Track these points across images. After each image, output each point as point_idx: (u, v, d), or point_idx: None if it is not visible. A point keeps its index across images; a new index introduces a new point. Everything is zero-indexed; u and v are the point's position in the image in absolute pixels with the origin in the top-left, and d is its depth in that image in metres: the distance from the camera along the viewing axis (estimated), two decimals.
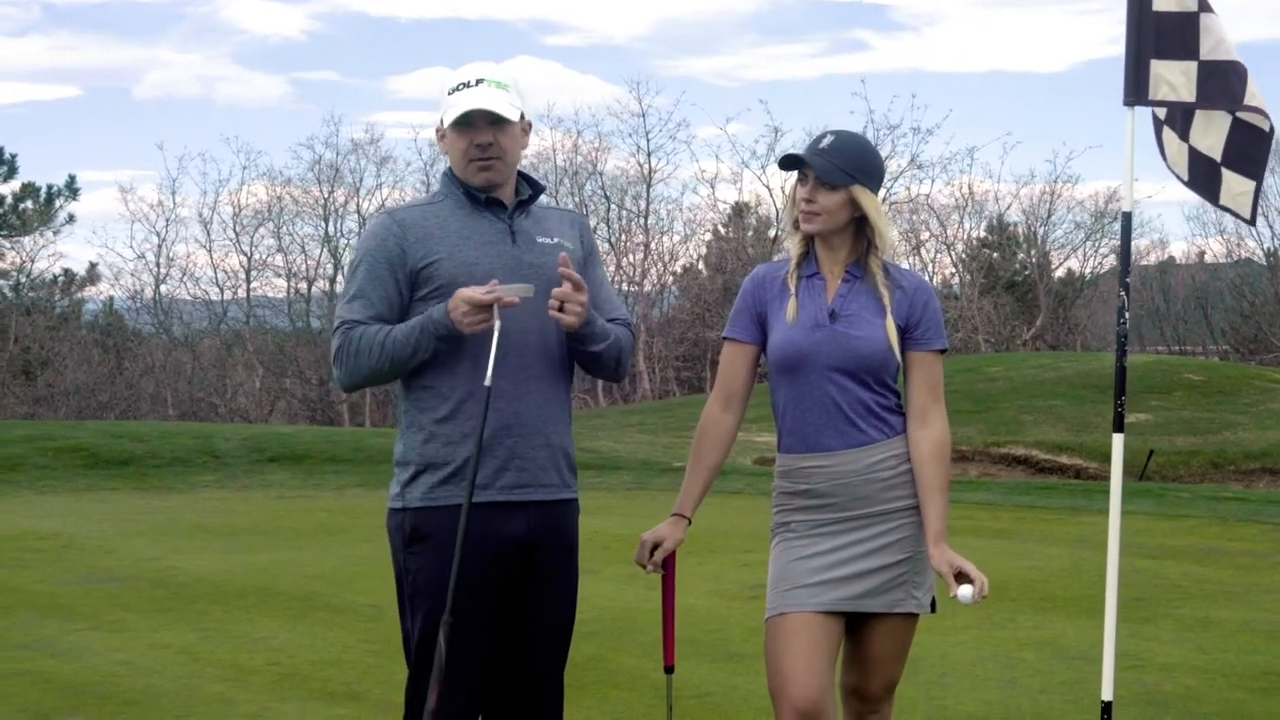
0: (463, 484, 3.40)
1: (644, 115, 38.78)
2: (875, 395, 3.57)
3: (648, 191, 39.84)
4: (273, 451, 16.80)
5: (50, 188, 39.79)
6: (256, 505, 13.24)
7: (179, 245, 52.99)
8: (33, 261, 40.50)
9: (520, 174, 3.63)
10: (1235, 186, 4.76)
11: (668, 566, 3.71)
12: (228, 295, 40.96)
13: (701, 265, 41.88)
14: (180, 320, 41.31)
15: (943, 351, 3.65)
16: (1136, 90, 4.77)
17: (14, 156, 39.24)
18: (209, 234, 40.38)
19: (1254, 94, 4.65)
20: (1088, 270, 45.41)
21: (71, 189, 39.96)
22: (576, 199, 39.07)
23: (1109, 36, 70.68)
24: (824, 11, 69.80)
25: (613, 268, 38.17)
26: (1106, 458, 5.00)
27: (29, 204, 39.59)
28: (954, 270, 43.66)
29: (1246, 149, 4.72)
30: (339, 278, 38.61)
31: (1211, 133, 4.75)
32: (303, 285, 40.36)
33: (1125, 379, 4.87)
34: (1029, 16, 69.66)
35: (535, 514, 3.50)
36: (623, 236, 40.24)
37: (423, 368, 3.47)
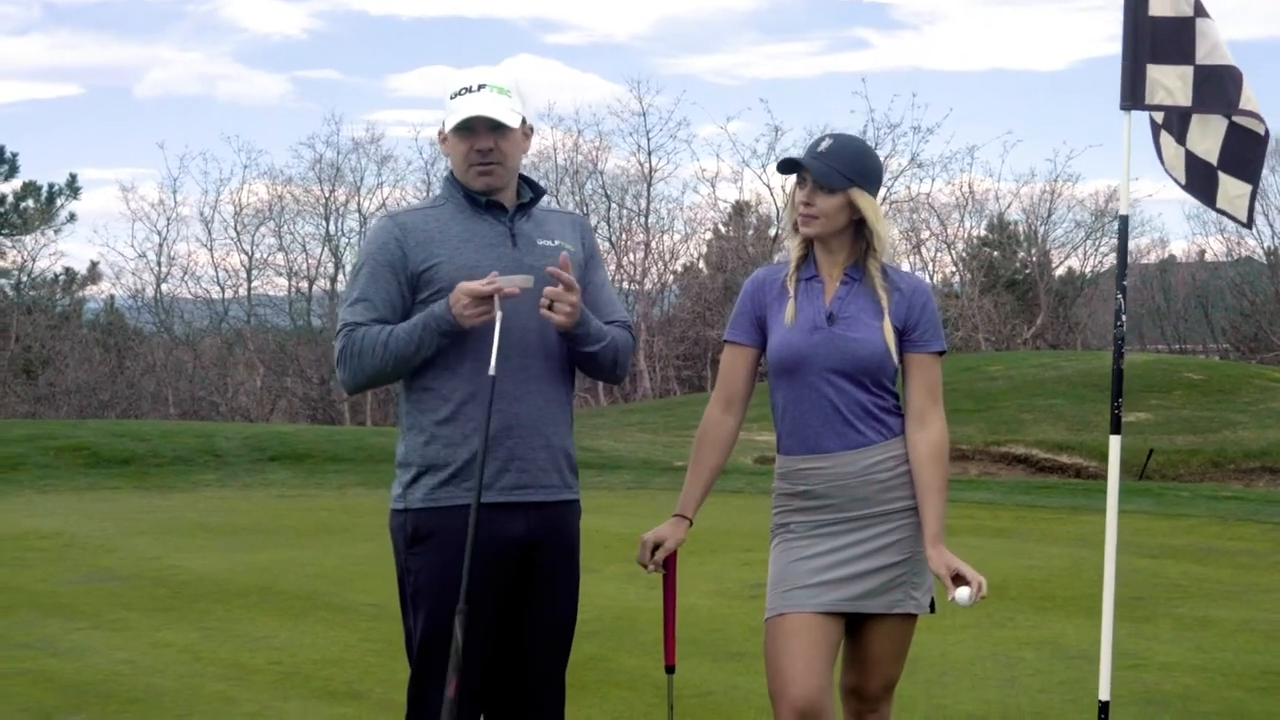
0: (464, 485, 3.42)
1: (644, 114, 38.71)
2: (873, 397, 3.59)
3: (648, 190, 39.78)
4: (274, 450, 16.78)
5: (51, 186, 39.94)
6: (258, 504, 13.25)
7: (180, 244, 53.18)
8: (34, 260, 40.69)
9: (521, 177, 3.64)
10: (1232, 190, 4.78)
11: (669, 566, 3.73)
12: (229, 294, 40.94)
13: (702, 264, 41.84)
14: (181, 319, 41.24)
15: (941, 353, 3.67)
16: (1133, 94, 4.79)
17: (15, 155, 39.42)
18: (210, 233, 40.38)
19: (1249, 98, 4.68)
20: (1088, 269, 45.36)
21: (72, 188, 40.08)
22: (577, 198, 39.01)
23: (1109, 35, 70.75)
24: (824, 10, 69.90)
25: (613, 266, 38.11)
26: (1106, 457, 5.02)
27: (30, 203, 39.65)
28: (954, 269, 43.68)
29: (1242, 153, 4.75)
30: (340, 277, 38.62)
31: (1208, 137, 4.78)
32: (304, 284, 40.29)
33: (1122, 381, 4.90)
34: (1029, 15, 69.75)
35: (535, 515, 3.51)
36: (623, 235, 40.18)
37: (423, 369, 3.49)
